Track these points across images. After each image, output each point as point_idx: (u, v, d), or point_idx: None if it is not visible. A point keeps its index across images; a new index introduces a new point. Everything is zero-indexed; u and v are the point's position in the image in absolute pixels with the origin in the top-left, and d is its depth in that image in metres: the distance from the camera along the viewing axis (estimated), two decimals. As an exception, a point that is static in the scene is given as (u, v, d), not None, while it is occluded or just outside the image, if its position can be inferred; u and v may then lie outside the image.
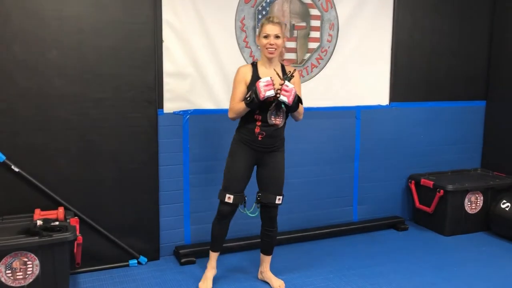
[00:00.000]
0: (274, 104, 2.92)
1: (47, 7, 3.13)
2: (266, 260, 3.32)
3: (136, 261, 3.55)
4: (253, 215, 3.19)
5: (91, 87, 3.30)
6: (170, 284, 3.29)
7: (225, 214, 3.12)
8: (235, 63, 3.54)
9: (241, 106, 2.99)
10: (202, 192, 3.75)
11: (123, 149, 3.45)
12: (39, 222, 2.90)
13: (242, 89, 3.04)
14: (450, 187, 4.22)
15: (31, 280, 2.79)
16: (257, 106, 2.95)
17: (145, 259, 3.59)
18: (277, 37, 3.00)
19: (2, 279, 2.74)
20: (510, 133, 4.63)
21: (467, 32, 4.66)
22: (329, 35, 4.06)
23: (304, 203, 4.17)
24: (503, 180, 4.48)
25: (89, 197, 3.38)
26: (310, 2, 3.96)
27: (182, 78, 3.61)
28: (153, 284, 3.27)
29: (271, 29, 2.99)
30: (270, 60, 3.06)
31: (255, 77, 3.03)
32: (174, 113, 3.62)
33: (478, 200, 4.36)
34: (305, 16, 3.96)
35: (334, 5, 4.04)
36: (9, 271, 2.74)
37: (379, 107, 4.38)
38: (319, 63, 4.07)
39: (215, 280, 3.27)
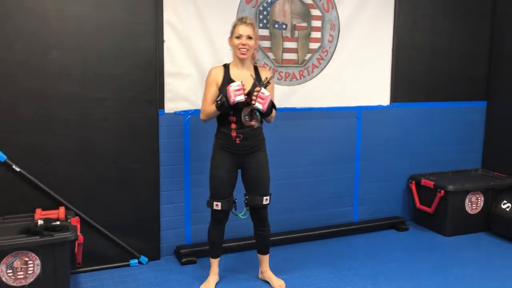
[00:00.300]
0: (248, 110, 2.90)
1: (48, 7, 3.14)
2: (264, 260, 3.32)
3: (136, 261, 3.56)
4: (244, 217, 3.20)
5: (92, 87, 3.31)
6: (171, 284, 3.29)
7: (218, 220, 3.15)
8: (236, 63, 3.54)
9: (212, 108, 2.98)
10: (203, 192, 3.73)
11: (124, 149, 3.45)
12: (40, 222, 2.91)
13: (213, 91, 3.05)
14: (450, 187, 4.21)
15: (32, 279, 2.80)
16: (228, 110, 2.93)
17: (146, 259, 3.60)
18: (249, 37, 3.00)
19: (3, 279, 2.74)
20: (511, 134, 4.63)
21: (468, 32, 4.66)
22: (330, 35, 4.06)
23: (305, 203, 4.17)
24: (503, 180, 4.48)
25: (90, 197, 3.39)
26: (311, 2, 3.96)
27: (183, 78, 3.61)
28: (153, 284, 3.28)
29: (243, 29, 2.99)
30: (242, 61, 3.05)
31: (227, 78, 3.03)
32: (175, 113, 3.62)
33: (479, 200, 4.36)
34: (306, 16, 3.96)
35: (335, 6, 4.04)
36: (10, 271, 2.75)
37: (380, 108, 4.38)
38: (320, 64, 4.07)
39: (216, 280, 3.29)
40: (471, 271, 3.56)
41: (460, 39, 4.63)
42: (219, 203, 3.08)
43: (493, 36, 4.75)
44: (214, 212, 3.13)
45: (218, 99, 2.93)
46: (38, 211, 3.12)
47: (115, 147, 3.42)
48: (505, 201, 4.22)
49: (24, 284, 2.79)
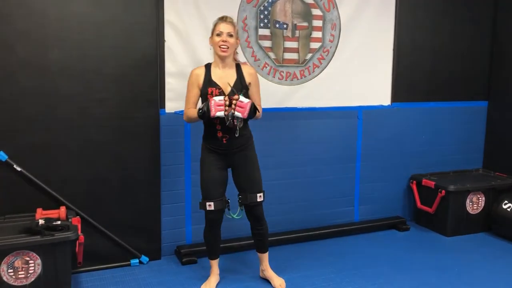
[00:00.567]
0: (230, 118, 2.90)
1: (49, 6, 3.14)
2: (264, 258, 3.32)
3: (137, 260, 3.56)
4: (238, 217, 3.20)
5: (93, 86, 3.31)
6: (172, 283, 3.29)
7: (212, 221, 3.13)
8: (236, 63, 3.54)
9: (193, 114, 3.00)
10: (204, 192, 3.76)
11: (125, 148, 3.45)
12: (41, 222, 2.92)
13: (195, 93, 3.06)
14: (451, 187, 4.21)
15: (33, 279, 2.80)
16: (210, 120, 2.94)
17: (147, 259, 3.60)
18: (230, 35, 3.00)
19: (4, 278, 2.74)
20: (512, 134, 4.63)
21: (469, 32, 4.65)
22: (331, 35, 4.06)
23: (306, 203, 4.17)
24: (504, 180, 4.48)
25: (91, 197, 3.39)
26: (312, 2, 3.96)
27: (184, 78, 3.59)
28: (154, 284, 3.28)
29: (224, 27, 3.00)
30: (223, 59, 3.04)
31: (207, 78, 3.03)
32: (175, 113, 3.62)
33: (480, 200, 4.36)
34: (307, 16, 3.96)
35: (336, 5, 4.04)
36: (11, 270, 2.75)
37: (381, 107, 4.38)
38: (321, 63, 4.07)
39: (216, 279, 3.29)
40: (472, 271, 3.56)
41: (461, 39, 4.63)
42: (212, 203, 3.06)
43: (494, 36, 4.75)
44: (208, 213, 3.11)
45: (200, 107, 2.93)
46: (39, 210, 3.13)
47: (116, 147, 3.42)
48: (506, 201, 4.21)
49: (25, 283, 2.79)
